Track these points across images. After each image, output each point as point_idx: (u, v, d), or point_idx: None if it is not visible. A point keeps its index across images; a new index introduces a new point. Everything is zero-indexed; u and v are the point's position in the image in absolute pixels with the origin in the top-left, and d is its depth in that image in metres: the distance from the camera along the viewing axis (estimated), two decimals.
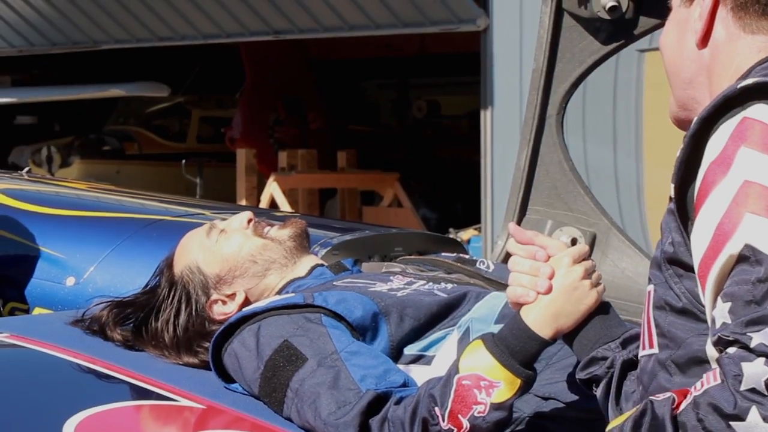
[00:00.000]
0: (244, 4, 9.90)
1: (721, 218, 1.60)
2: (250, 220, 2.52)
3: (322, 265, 2.52)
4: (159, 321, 2.44)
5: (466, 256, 2.67)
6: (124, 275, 2.76)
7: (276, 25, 10.07)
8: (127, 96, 13.85)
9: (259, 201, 10.92)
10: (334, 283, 2.38)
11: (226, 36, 10.53)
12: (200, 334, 2.41)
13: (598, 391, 1.92)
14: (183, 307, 2.45)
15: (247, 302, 2.45)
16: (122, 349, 2.44)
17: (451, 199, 12.95)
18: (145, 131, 15.52)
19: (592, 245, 3.05)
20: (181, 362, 2.39)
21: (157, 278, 2.53)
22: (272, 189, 10.63)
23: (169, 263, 2.53)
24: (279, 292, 2.46)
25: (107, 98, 14.17)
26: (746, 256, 1.58)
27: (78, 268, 2.83)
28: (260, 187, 11.28)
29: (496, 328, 2.19)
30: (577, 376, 1.96)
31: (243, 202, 11.25)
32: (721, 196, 1.62)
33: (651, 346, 1.77)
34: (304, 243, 2.53)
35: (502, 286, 2.45)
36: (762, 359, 1.53)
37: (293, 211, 10.53)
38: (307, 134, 13.58)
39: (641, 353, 1.81)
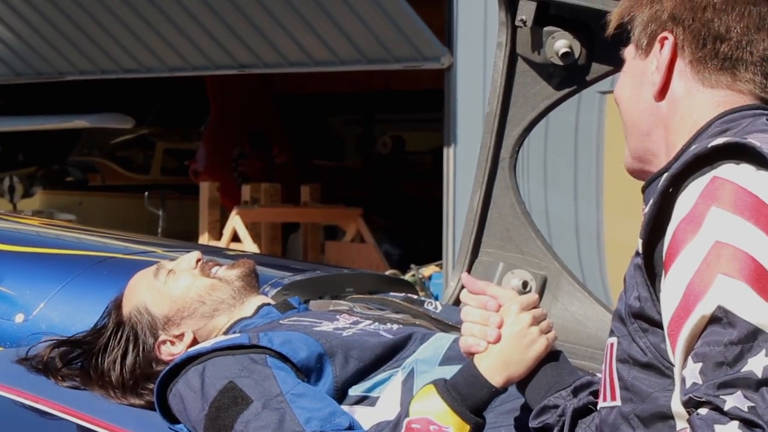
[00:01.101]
0: (209, 38, 9.91)
1: (692, 278, 1.61)
2: (198, 260, 2.52)
3: (269, 304, 2.52)
4: (106, 361, 2.44)
5: (414, 296, 2.69)
6: (74, 312, 2.75)
7: (241, 59, 10.09)
8: (92, 127, 13.80)
9: (221, 234, 10.89)
10: (280, 322, 2.39)
11: (192, 69, 10.53)
12: (146, 375, 2.41)
13: None
14: (130, 347, 2.44)
15: (195, 342, 2.45)
16: (67, 389, 2.43)
17: (414, 235, 12.95)
18: (108, 162, 15.46)
19: (542, 288, 3.07)
20: (126, 403, 2.38)
21: (105, 319, 2.53)
22: (235, 222, 10.61)
23: (117, 304, 2.53)
24: (226, 332, 2.46)
25: (71, 129, 14.13)
26: (719, 318, 1.58)
27: (27, 305, 2.81)
28: (223, 220, 11.26)
29: (440, 370, 2.20)
30: (530, 425, 1.98)
31: (205, 236, 11.22)
32: (692, 255, 1.62)
33: (613, 398, 1.78)
34: (252, 282, 2.54)
35: (448, 327, 2.47)
36: (736, 422, 1.53)
37: (255, 245, 10.52)
38: (272, 168, 13.58)
39: (601, 404, 1.82)
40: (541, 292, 3.07)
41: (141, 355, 2.44)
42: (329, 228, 12.50)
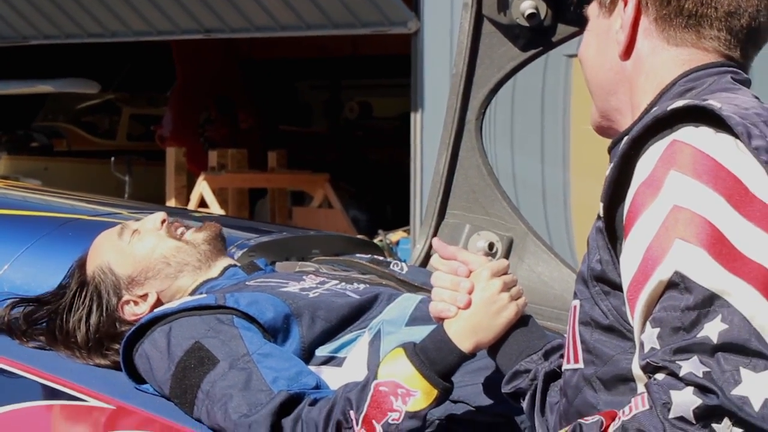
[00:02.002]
0: (175, 2, 9.86)
1: (650, 242, 1.61)
2: (163, 221, 2.52)
3: (235, 265, 2.52)
4: (71, 321, 2.43)
5: (380, 258, 2.69)
6: (38, 274, 2.74)
7: (207, 24, 10.04)
8: (57, 92, 13.72)
9: (188, 200, 10.87)
10: (247, 283, 2.39)
11: (157, 33, 10.47)
12: (111, 335, 2.40)
13: (524, 404, 1.95)
14: (94, 307, 2.44)
15: (159, 303, 2.45)
16: (32, 349, 2.42)
17: (382, 201, 12.96)
18: (74, 128, 15.38)
19: (508, 250, 3.08)
20: (92, 363, 2.38)
21: (69, 279, 2.52)
22: (202, 188, 10.59)
23: (81, 264, 2.52)
24: (192, 293, 2.45)
25: (36, 94, 14.03)
26: (675, 283, 1.58)
27: None
28: (190, 186, 11.23)
29: (406, 331, 2.21)
30: (503, 390, 1.99)
31: (172, 201, 11.19)
32: (651, 220, 1.62)
33: (576, 360, 1.78)
34: (218, 246, 2.53)
35: (414, 288, 2.47)
36: (691, 388, 1.53)
37: (222, 210, 10.50)
38: (238, 134, 13.54)
39: (565, 366, 1.82)
40: (507, 254, 3.07)
41: (104, 314, 2.44)
42: (296, 194, 12.50)
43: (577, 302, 1.81)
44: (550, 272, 3.04)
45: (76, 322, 2.43)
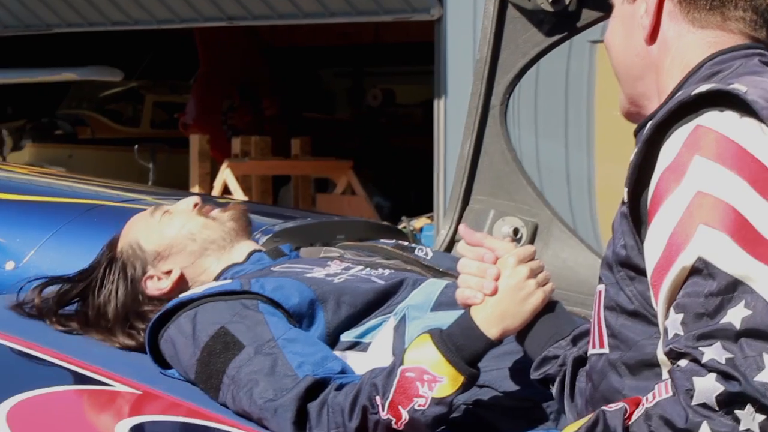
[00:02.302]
0: None
1: (674, 228, 1.61)
2: (196, 204, 2.53)
3: (260, 250, 2.52)
4: (101, 296, 2.45)
5: (405, 243, 2.69)
6: (63, 260, 2.75)
7: (230, 11, 10.04)
8: (80, 80, 13.76)
9: (212, 187, 10.88)
10: (272, 268, 2.39)
11: (180, 21, 10.48)
12: (137, 313, 2.42)
13: (554, 390, 1.95)
14: (121, 282, 2.45)
15: (182, 280, 2.47)
16: (58, 334, 2.43)
17: (405, 187, 12.96)
18: (98, 116, 15.41)
19: (533, 235, 3.07)
20: (120, 343, 2.39)
21: (100, 256, 2.54)
22: (225, 175, 10.60)
23: (112, 242, 2.54)
24: (217, 278, 2.46)
25: (60, 82, 14.07)
26: (699, 269, 1.58)
27: (17, 252, 2.81)
28: (213, 173, 11.24)
29: (432, 316, 2.21)
30: (531, 376, 1.99)
31: (196, 189, 11.21)
32: (675, 205, 1.62)
33: (601, 345, 1.78)
34: (244, 226, 2.54)
35: (439, 273, 2.47)
36: (713, 375, 1.53)
37: (246, 197, 10.51)
38: (262, 121, 13.54)
39: (590, 351, 1.82)
40: (532, 240, 3.07)
41: (129, 288, 2.45)
42: (320, 180, 12.50)
43: (602, 287, 1.81)
44: (576, 257, 3.03)
45: (106, 297, 2.44)
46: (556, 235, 3.07)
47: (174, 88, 15.61)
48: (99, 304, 2.44)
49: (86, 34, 11.52)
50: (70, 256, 2.75)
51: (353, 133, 14.70)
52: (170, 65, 15.55)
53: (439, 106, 8.66)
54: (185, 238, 2.49)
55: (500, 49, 3.05)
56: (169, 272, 2.47)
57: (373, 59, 15.79)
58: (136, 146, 12.46)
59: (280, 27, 12.08)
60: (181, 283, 2.46)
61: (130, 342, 2.39)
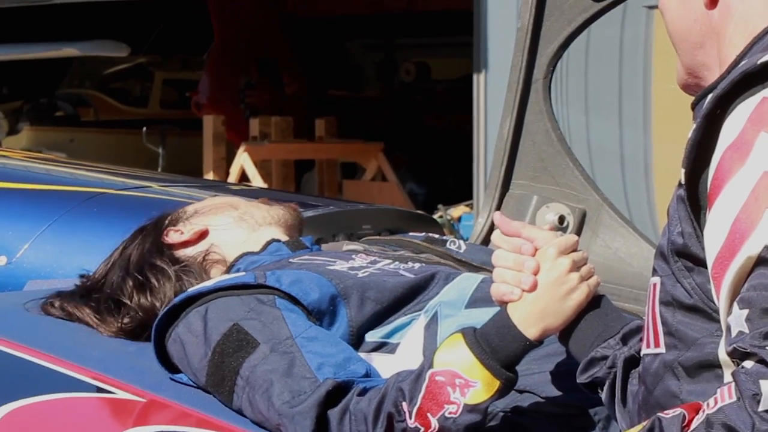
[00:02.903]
0: None
1: (738, 214, 1.59)
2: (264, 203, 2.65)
3: (278, 240, 2.53)
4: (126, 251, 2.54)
5: (436, 236, 2.68)
6: (60, 254, 2.77)
7: None
8: (83, 56, 13.81)
9: (227, 173, 10.90)
10: (290, 260, 2.39)
11: None
12: (150, 264, 2.48)
13: (603, 395, 1.93)
14: (148, 236, 2.56)
15: (204, 236, 2.53)
16: (56, 338, 2.44)
17: (442, 172, 12.96)
18: (102, 95, 15.49)
19: (581, 223, 3.06)
20: (130, 301, 2.43)
21: None
22: (243, 160, 10.61)
23: None
24: (228, 269, 2.47)
25: (60, 58, 14.14)
26: (766, 259, 1.56)
27: (10, 247, 2.83)
28: (229, 157, 11.26)
29: (466, 314, 2.20)
30: (578, 380, 1.97)
31: (210, 174, 11.24)
32: (738, 188, 1.60)
33: (657, 344, 1.77)
34: (290, 223, 2.61)
35: (474, 268, 2.47)
36: None
37: (266, 184, 10.53)
38: (282, 99, 13.56)
39: (644, 351, 1.81)
40: (579, 228, 3.06)
41: (152, 236, 2.54)
42: (347, 165, 12.51)
43: (656, 279, 1.80)
44: (628, 248, 3.02)
45: (137, 245, 2.52)
46: (607, 223, 3.06)
47: (186, 64, 15.66)
48: (128, 254, 2.51)
49: (88, 4, 11.57)
50: (68, 250, 2.77)
51: (384, 113, 14.70)
52: (181, 39, 15.59)
53: (479, 81, 8.65)
54: (228, 204, 2.60)
55: (543, 16, 3.04)
56: (195, 227, 2.56)
57: (406, 30, 15.78)
58: (144, 128, 12.50)
59: None
60: (202, 240, 2.53)
61: (147, 303, 2.41)
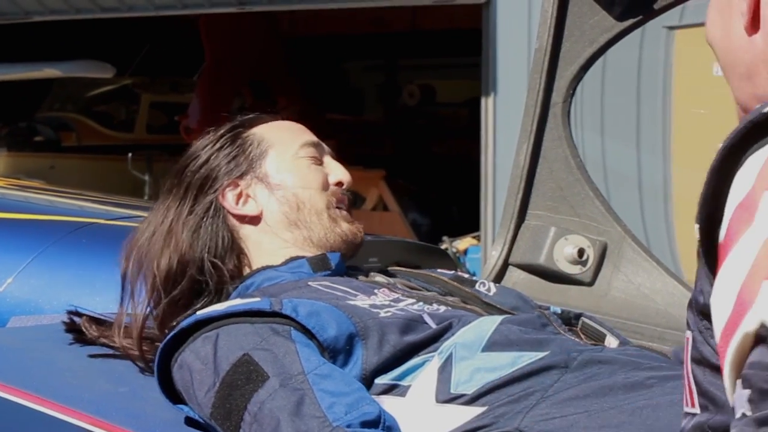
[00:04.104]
0: None
1: (743, 283, 1.52)
2: (343, 184, 2.61)
3: (302, 257, 2.51)
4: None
5: (465, 276, 2.67)
6: (47, 288, 2.76)
7: None
8: (65, 77, 13.83)
9: None
10: (309, 283, 2.38)
11: (182, 7, 10.54)
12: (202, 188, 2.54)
13: None
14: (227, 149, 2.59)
15: (252, 222, 2.53)
16: (44, 378, 2.42)
17: (447, 201, 12.97)
18: (85, 119, 15.50)
19: (601, 257, 3.06)
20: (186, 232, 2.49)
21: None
22: None
23: (249, 123, 2.69)
24: (243, 281, 2.46)
25: (41, 80, 14.16)
26: (763, 337, 1.48)
27: None
28: None
29: (483, 357, 2.19)
30: None
31: None
32: (743, 253, 1.53)
33: (692, 404, 1.73)
34: (348, 253, 2.58)
35: (503, 314, 2.45)
36: None
37: None
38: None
39: (684, 409, 1.79)
40: (600, 262, 3.06)
41: (221, 160, 2.56)
42: None
43: (689, 334, 1.76)
44: (652, 283, 3.02)
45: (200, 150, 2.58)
46: (629, 257, 3.06)
47: (174, 86, 15.69)
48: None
49: (71, 23, 11.59)
50: (55, 284, 2.76)
51: (386, 138, 14.74)
52: (170, 60, 15.63)
53: (487, 104, 8.66)
54: (295, 197, 2.55)
55: (563, 36, 3.04)
56: (253, 202, 2.54)
57: (410, 50, 15.83)
58: (130, 154, 12.54)
59: (300, 13, 12.12)
60: (247, 225, 2.53)
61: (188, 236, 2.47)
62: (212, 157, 2.57)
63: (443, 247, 9.34)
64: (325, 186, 2.59)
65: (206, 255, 2.48)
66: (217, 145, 2.59)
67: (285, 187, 2.56)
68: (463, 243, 9.82)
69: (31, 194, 3.75)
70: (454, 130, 14.50)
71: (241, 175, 2.55)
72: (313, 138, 2.65)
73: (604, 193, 3.18)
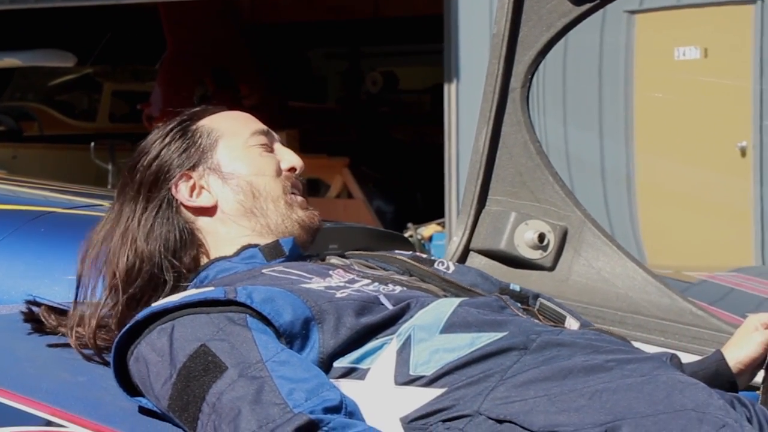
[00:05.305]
0: None
1: None
2: (295, 170, 2.61)
3: (255, 245, 2.51)
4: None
5: (423, 256, 2.68)
6: (6, 279, 2.74)
7: None
8: (25, 66, 13.77)
9: None
10: (262, 271, 2.38)
11: None
12: (155, 182, 2.53)
13: None
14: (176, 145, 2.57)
15: (207, 213, 2.52)
16: (1, 368, 2.42)
17: (411, 188, 12.98)
18: (46, 108, 15.44)
19: (562, 242, 3.07)
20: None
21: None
22: None
23: (198, 114, 2.65)
24: (197, 274, 2.46)
25: (1, 69, 14.09)
26: None
27: None
28: None
29: (441, 338, 2.20)
30: None
31: None
32: None
33: None
34: (306, 240, 2.57)
35: (462, 290, 2.46)
36: None
37: None
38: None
39: None
40: (560, 247, 3.07)
41: (171, 154, 2.55)
42: (310, 182, 12.51)
43: None
44: (612, 267, 3.03)
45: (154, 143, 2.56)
46: (589, 241, 3.07)
47: (136, 75, 15.64)
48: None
49: (31, 11, 11.53)
50: (13, 274, 2.74)
51: (349, 125, 14.72)
52: (131, 48, 15.57)
53: (450, 91, 8.67)
54: (249, 186, 2.54)
55: (521, 21, 3.05)
56: (207, 193, 2.54)
57: (372, 37, 15.81)
58: (93, 144, 12.49)
59: (261, 0, 12.09)
60: (202, 216, 2.52)
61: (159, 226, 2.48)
62: (163, 151, 2.55)
63: (408, 234, 9.35)
64: (279, 172, 2.58)
65: (162, 251, 2.47)
66: (167, 140, 2.57)
67: (238, 175, 2.55)
68: (428, 230, 9.82)
69: None
70: (417, 116, 14.51)
71: (193, 166, 2.54)
72: (262, 126, 2.64)
73: (566, 179, 3.19)
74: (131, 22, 15.04)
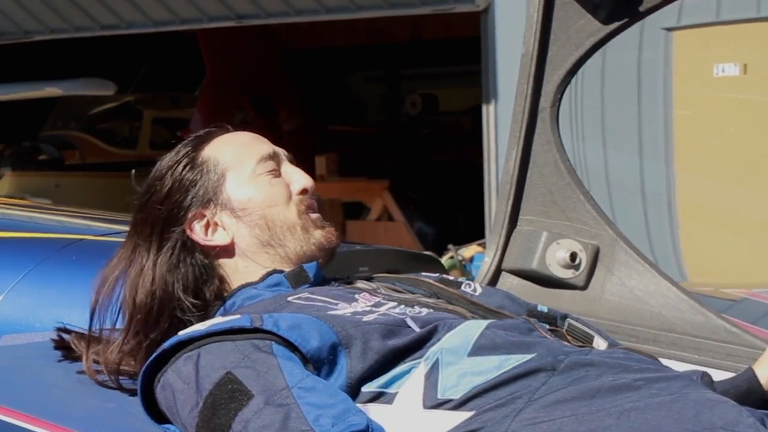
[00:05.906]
0: None
1: None
2: (306, 191, 2.58)
3: (280, 271, 2.51)
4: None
5: (450, 278, 2.67)
6: (38, 306, 2.76)
7: (239, 9, 10.10)
8: (67, 95, 13.85)
9: None
10: (288, 299, 2.38)
11: (181, 22, 10.56)
12: (170, 220, 2.50)
13: None
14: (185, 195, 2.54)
15: (225, 253, 2.51)
16: (32, 396, 2.43)
17: (452, 210, 12.96)
18: (88, 137, 15.53)
19: (594, 260, 3.06)
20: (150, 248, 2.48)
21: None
22: None
23: (200, 141, 2.62)
24: (223, 302, 2.46)
25: (43, 99, 14.18)
26: None
27: None
28: None
29: (469, 361, 2.19)
30: None
31: None
32: None
33: None
34: (325, 259, 2.56)
35: (490, 312, 2.46)
36: None
37: None
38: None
39: None
40: (592, 265, 3.06)
41: (180, 199, 2.51)
42: (351, 205, 12.52)
43: None
44: (645, 285, 3.02)
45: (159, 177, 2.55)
46: (622, 260, 3.06)
47: (176, 102, 15.70)
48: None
49: (72, 41, 11.61)
50: (45, 302, 2.76)
51: (389, 148, 14.72)
52: (171, 75, 15.64)
53: (488, 112, 8.67)
54: (263, 219, 2.52)
55: (549, 41, 3.05)
56: (223, 228, 2.52)
57: (411, 60, 15.83)
58: (133, 171, 12.51)
59: (299, 25, 12.13)
60: (220, 256, 2.50)
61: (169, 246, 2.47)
62: (174, 189, 2.53)
63: (449, 255, 9.34)
64: (290, 197, 2.56)
65: (182, 295, 2.46)
66: (175, 174, 2.54)
67: (251, 210, 2.53)
68: (469, 251, 9.80)
69: (33, 213, 3.76)
70: (457, 138, 14.50)
71: (205, 204, 2.53)
72: (269, 149, 2.61)
73: (606, 202, 3.18)
74: (170, 50, 15.12)
